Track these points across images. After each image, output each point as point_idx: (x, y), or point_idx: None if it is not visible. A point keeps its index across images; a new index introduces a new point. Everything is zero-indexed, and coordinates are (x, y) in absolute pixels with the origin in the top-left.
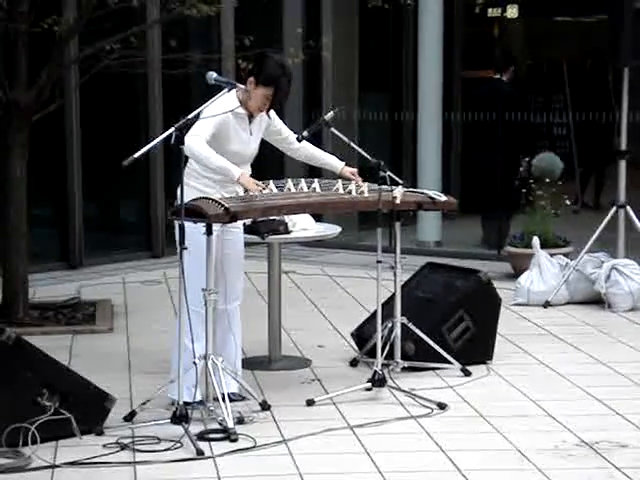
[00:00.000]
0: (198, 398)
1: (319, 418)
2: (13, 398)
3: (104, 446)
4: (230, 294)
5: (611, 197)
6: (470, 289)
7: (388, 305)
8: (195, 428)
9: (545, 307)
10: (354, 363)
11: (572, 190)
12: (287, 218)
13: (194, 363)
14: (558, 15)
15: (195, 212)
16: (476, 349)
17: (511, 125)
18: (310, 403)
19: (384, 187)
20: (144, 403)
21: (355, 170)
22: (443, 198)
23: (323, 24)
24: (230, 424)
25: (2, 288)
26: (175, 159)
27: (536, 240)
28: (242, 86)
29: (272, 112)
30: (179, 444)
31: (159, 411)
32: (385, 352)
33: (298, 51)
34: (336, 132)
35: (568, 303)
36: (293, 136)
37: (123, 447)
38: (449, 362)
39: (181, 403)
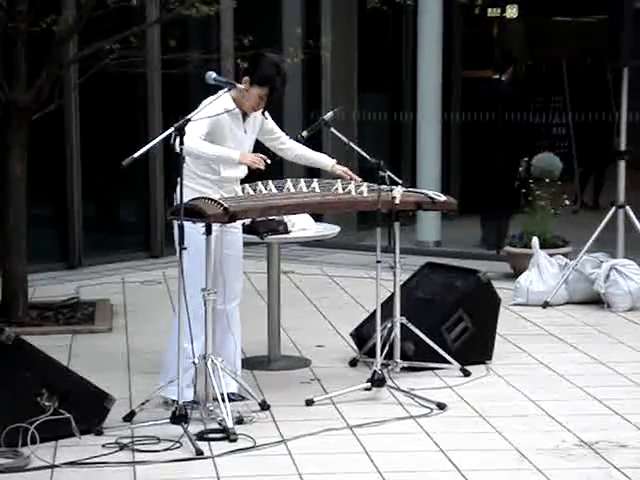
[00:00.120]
0: (190, 398)
1: (318, 418)
2: (12, 398)
3: (103, 446)
4: (229, 294)
5: (610, 197)
6: (469, 289)
7: (387, 305)
8: (194, 428)
9: (544, 307)
10: (353, 363)
11: (571, 190)
12: (286, 218)
13: (194, 363)
14: (557, 15)
15: (194, 212)
16: (475, 349)
17: (510, 125)
18: (309, 403)
19: (383, 187)
20: (143, 403)
21: (346, 168)
22: (442, 198)
23: (322, 24)
24: (229, 424)
25: (1, 288)
26: (174, 159)
27: (535, 240)
28: (241, 86)
29: (266, 112)
30: (178, 444)
31: (158, 411)
32: (384, 352)
33: (297, 51)
34: (335, 132)
35: (567, 303)
36: (285, 136)
37: (122, 447)
38: (448, 362)
39: (180, 403)
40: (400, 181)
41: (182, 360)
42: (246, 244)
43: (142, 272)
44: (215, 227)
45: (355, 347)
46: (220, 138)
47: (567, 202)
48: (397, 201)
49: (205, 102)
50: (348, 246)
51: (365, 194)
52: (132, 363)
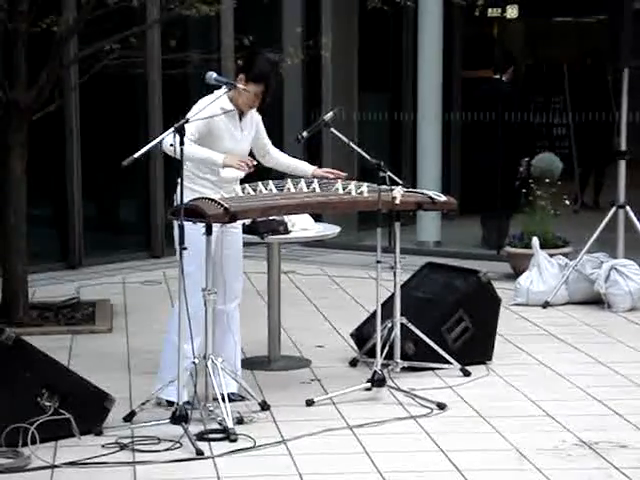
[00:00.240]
0: (185, 399)
1: (319, 418)
2: (13, 398)
3: (103, 446)
4: (229, 294)
5: (611, 197)
6: (470, 289)
7: (388, 305)
8: (195, 428)
9: (544, 307)
10: (354, 363)
11: (572, 190)
12: (286, 218)
13: (194, 363)
14: (558, 15)
15: (195, 212)
16: (475, 349)
17: (511, 125)
18: (310, 403)
19: (384, 187)
20: (144, 403)
21: (328, 169)
22: (443, 198)
23: (323, 24)
24: (230, 424)
25: (2, 288)
26: (174, 159)
27: (536, 240)
28: (241, 86)
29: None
30: (179, 444)
31: (159, 411)
32: (385, 352)
33: (298, 51)
34: (336, 132)
35: (567, 303)
36: (270, 143)
37: (122, 447)
38: (449, 362)
39: (181, 403)
40: (400, 181)
41: (182, 360)
42: (246, 244)
43: (142, 272)
44: (215, 227)
45: (355, 347)
46: (217, 138)
47: (567, 202)
48: (397, 201)
49: (200, 102)
50: (348, 246)
51: (365, 194)
52: (132, 363)
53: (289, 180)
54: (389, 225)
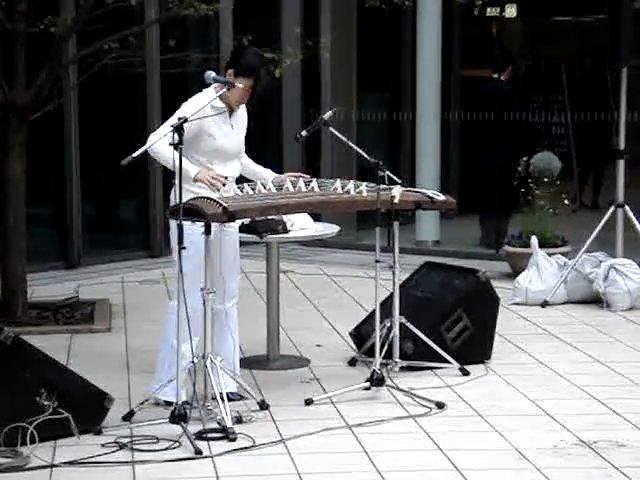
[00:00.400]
0: (183, 398)
1: (318, 417)
2: (11, 397)
3: (103, 445)
4: (227, 293)
5: (609, 196)
6: (468, 288)
7: (386, 304)
8: (194, 427)
9: (543, 306)
10: (353, 362)
11: (571, 189)
12: (285, 217)
13: (192, 362)
14: (557, 15)
15: (193, 211)
16: (474, 348)
17: (510, 125)
18: (309, 402)
19: (382, 186)
20: (142, 403)
21: (290, 173)
22: (441, 197)
23: (321, 24)
24: (229, 423)
25: (1, 287)
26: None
27: (534, 239)
28: (241, 85)
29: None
30: (178, 443)
31: (157, 411)
32: (384, 351)
33: (297, 51)
34: (335, 132)
35: (566, 302)
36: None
37: (122, 446)
38: (447, 361)
39: (179, 403)
40: (399, 180)
41: (181, 360)
42: (245, 244)
43: (141, 272)
44: (214, 227)
45: (354, 346)
46: (208, 136)
47: (566, 201)
48: (396, 200)
49: (190, 101)
50: (347, 245)
51: (364, 193)
52: (131, 363)
53: (288, 180)
54: (388, 224)
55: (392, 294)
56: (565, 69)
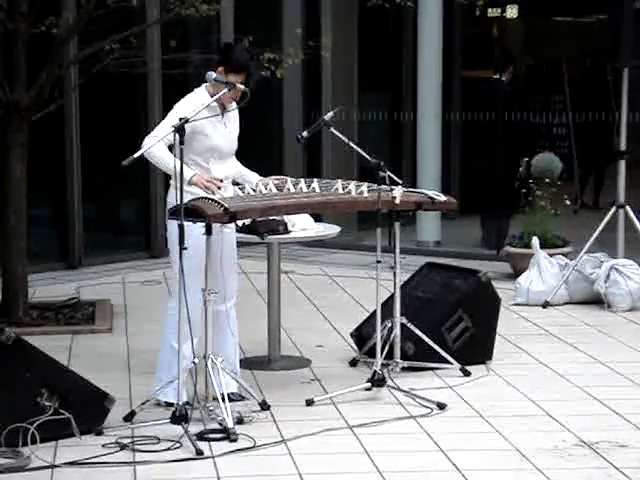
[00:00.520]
0: (184, 399)
1: (319, 418)
2: (13, 398)
3: (104, 446)
4: (227, 294)
5: (610, 197)
6: (469, 289)
7: (387, 305)
8: (195, 428)
9: (544, 307)
10: (354, 363)
11: (572, 190)
12: (286, 218)
13: (193, 363)
14: (558, 15)
15: (194, 212)
16: (475, 349)
17: (510, 125)
18: (310, 403)
19: (383, 187)
20: (144, 403)
21: (274, 176)
22: (442, 198)
23: (322, 24)
24: (230, 424)
25: (2, 288)
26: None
27: (535, 240)
28: (241, 86)
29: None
30: (178, 444)
31: (158, 411)
32: (385, 352)
33: (298, 51)
34: (336, 132)
35: (567, 303)
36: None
37: (123, 447)
38: (448, 362)
39: (180, 404)
40: (400, 181)
41: (182, 361)
42: (246, 244)
43: (142, 272)
44: (213, 228)
45: (355, 347)
46: (203, 135)
47: (567, 202)
48: (397, 201)
49: (182, 101)
50: (348, 246)
51: (365, 194)
52: (132, 363)
53: (289, 180)
54: (389, 225)
55: (393, 295)
56: (566, 69)
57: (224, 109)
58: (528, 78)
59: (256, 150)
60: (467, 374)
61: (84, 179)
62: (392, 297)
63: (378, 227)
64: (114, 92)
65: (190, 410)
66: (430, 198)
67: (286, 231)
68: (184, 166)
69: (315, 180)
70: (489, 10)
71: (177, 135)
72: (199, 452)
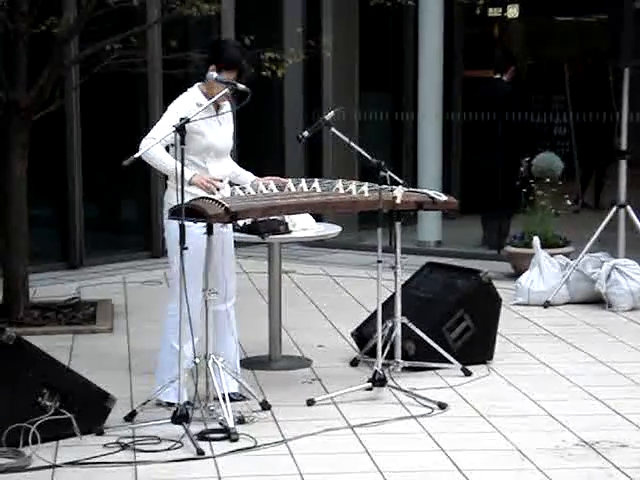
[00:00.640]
0: (185, 399)
1: (319, 418)
2: (13, 398)
3: (105, 446)
4: (228, 294)
5: (611, 197)
6: (470, 289)
7: (388, 305)
8: (195, 428)
9: (545, 307)
10: (354, 363)
11: (572, 190)
12: (287, 218)
13: (194, 362)
14: (558, 15)
15: (195, 212)
16: (476, 349)
17: (511, 125)
18: (310, 403)
19: (384, 187)
20: (144, 403)
21: (270, 177)
22: (443, 198)
23: (323, 24)
24: (230, 424)
25: (2, 288)
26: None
27: (536, 240)
28: (242, 86)
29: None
30: (179, 444)
31: (159, 411)
32: (385, 352)
33: (298, 51)
34: (336, 132)
35: (568, 303)
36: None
37: (123, 447)
38: (449, 362)
39: (181, 404)
40: (401, 181)
41: (182, 361)
42: (247, 244)
43: (143, 272)
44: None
45: (356, 347)
46: (198, 134)
47: (568, 202)
48: (398, 201)
49: (176, 102)
50: (349, 246)
51: (366, 194)
52: (133, 363)
53: (289, 180)
54: (390, 225)
55: (394, 294)
56: (567, 69)
57: (218, 107)
58: (529, 78)
59: (257, 150)
60: (468, 374)
61: (85, 179)
62: (393, 297)
63: (379, 227)
64: (115, 92)
65: (191, 410)
66: (431, 198)
67: (287, 231)
68: (180, 166)
69: (316, 180)
70: (490, 10)
71: (178, 135)
72: (200, 452)
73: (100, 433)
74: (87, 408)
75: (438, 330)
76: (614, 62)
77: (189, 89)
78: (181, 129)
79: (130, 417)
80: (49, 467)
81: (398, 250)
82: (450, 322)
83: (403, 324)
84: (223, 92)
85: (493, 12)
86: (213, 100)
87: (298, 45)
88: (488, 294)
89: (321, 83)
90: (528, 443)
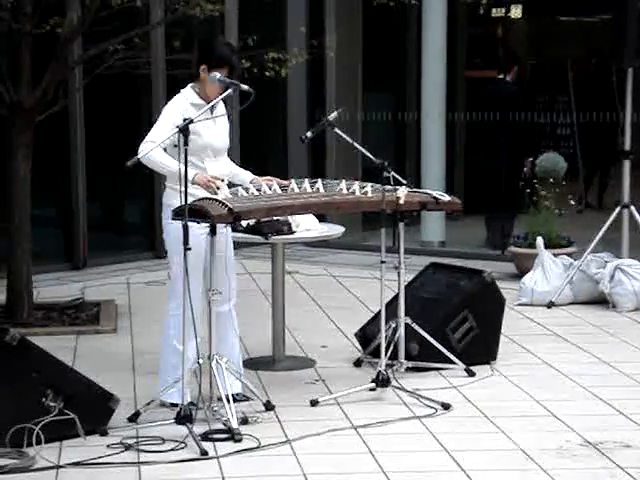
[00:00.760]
0: (188, 400)
1: (323, 418)
2: (17, 398)
3: (108, 446)
4: (230, 294)
5: (615, 197)
6: (474, 289)
7: (392, 305)
8: (199, 428)
9: (549, 307)
10: (358, 363)
11: (576, 190)
12: (291, 218)
13: (198, 363)
14: (562, 15)
15: (198, 212)
16: (480, 349)
17: (515, 125)
18: (314, 403)
19: (388, 187)
20: (148, 403)
21: (268, 177)
22: (447, 198)
23: (327, 24)
24: (234, 424)
25: (6, 289)
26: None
27: (540, 240)
28: (245, 86)
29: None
30: (183, 444)
31: (163, 411)
32: (389, 352)
33: (302, 51)
34: (340, 132)
35: (572, 303)
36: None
37: (127, 447)
38: (453, 362)
39: (185, 404)
40: (404, 181)
41: (186, 362)
42: (250, 244)
43: (147, 272)
44: (202, 230)
45: (359, 347)
46: (194, 134)
47: (572, 202)
48: (402, 201)
49: (170, 104)
50: (352, 246)
51: (369, 194)
52: (137, 363)
53: (293, 180)
54: (393, 225)
55: (397, 295)
56: (571, 69)
57: (211, 106)
58: (533, 78)
59: (260, 150)
60: (472, 374)
61: (89, 179)
62: (396, 297)
63: (382, 227)
64: (118, 93)
65: (195, 411)
66: (434, 198)
67: (290, 231)
68: (184, 167)
69: (319, 180)
70: (493, 10)
71: (182, 136)
72: (204, 452)
73: (104, 434)
74: (91, 408)
75: (442, 330)
76: (617, 62)
77: (182, 90)
78: (185, 129)
79: (134, 417)
80: (53, 468)
81: (401, 250)
82: (454, 322)
83: (406, 324)
84: (227, 92)
85: (497, 12)
86: (216, 101)
87: (301, 45)
88: (492, 294)
89: (324, 83)
90: (532, 443)
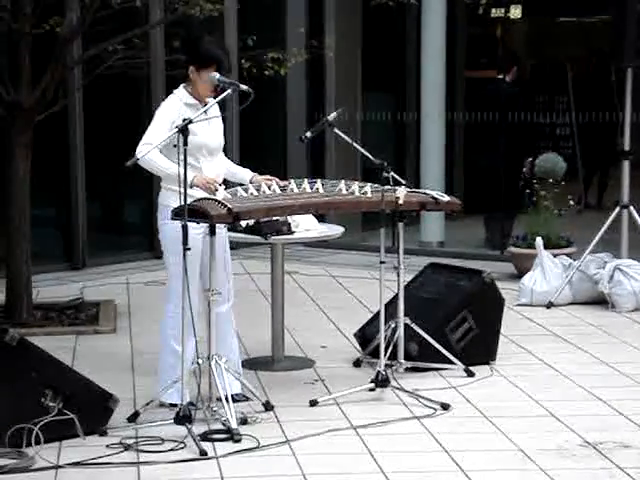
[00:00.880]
0: (187, 400)
1: (322, 418)
2: (17, 398)
3: (108, 446)
4: (228, 294)
5: (614, 197)
6: (473, 290)
7: (391, 305)
8: (198, 429)
9: (548, 307)
10: (357, 363)
11: (575, 190)
12: (290, 218)
13: (197, 363)
14: (561, 15)
15: (197, 212)
16: (479, 349)
17: (514, 125)
18: (313, 403)
19: (387, 187)
20: (148, 404)
21: (267, 176)
22: (446, 198)
23: (326, 24)
24: (233, 424)
25: (5, 289)
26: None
27: (539, 240)
28: (244, 87)
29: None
30: (182, 444)
31: (162, 412)
32: (388, 352)
33: (301, 51)
34: (339, 133)
35: (571, 303)
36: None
37: (126, 447)
38: (452, 362)
39: (184, 404)
40: (404, 181)
41: (179, 362)
42: (250, 245)
43: (146, 273)
44: (204, 230)
45: (359, 347)
46: (191, 135)
47: (571, 202)
48: (401, 201)
49: (163, 105)
50: (352, 246)
51: (369, 194)
52: (136, 364)
53: (292, 180)
54: (392, 225)
55: (397, 295)
56: (570, 70)
57: (204, 104)
58: (532, 78)
59: (260, 150)
60: (471, 375)
61: (88, 180)
62: (396, 297)
63: (382, 227)
64: (118, 93)
65: (194, 411)
66: (434, 198)
67: (290, 232)
68: (182, 168)
69: (319, 180)
70: (493, 10)
71: (181, 136)
72: (203, 453)
73: (103, 434)
74: (90, 409)
75: (441, 331)
76: (617, 62)
77: (175, 90)
78: (184, 130)
79: (133, 418)
80: (52, 468)
81: (401, 251)
82: (453, 323)
83: (406, 325)
84: (226, 93)
85: (496, 12)
86: (217, 101)
87: (301, 45)
88: (491, 295)
89: (324, 83)
90: (531, 444)
